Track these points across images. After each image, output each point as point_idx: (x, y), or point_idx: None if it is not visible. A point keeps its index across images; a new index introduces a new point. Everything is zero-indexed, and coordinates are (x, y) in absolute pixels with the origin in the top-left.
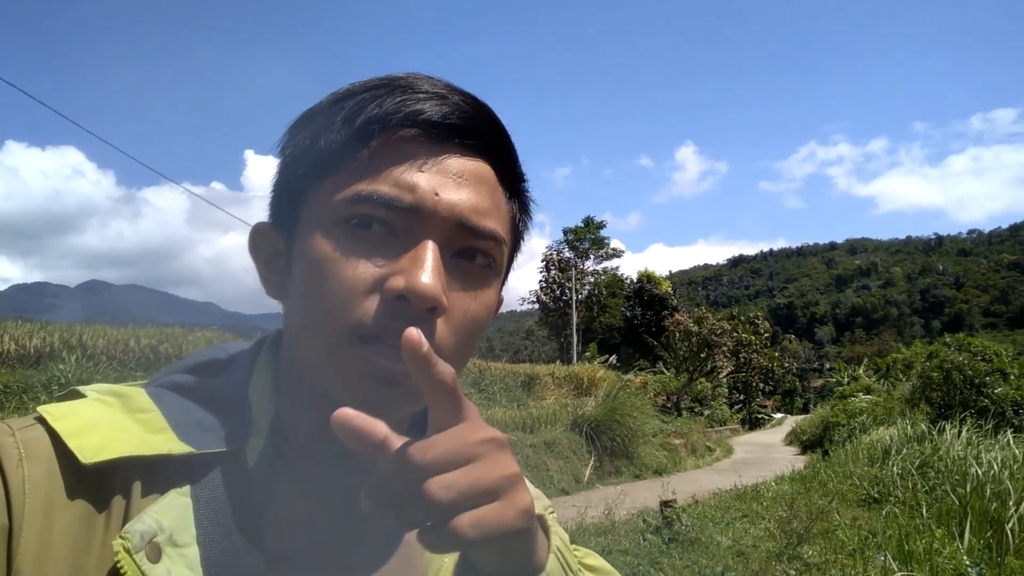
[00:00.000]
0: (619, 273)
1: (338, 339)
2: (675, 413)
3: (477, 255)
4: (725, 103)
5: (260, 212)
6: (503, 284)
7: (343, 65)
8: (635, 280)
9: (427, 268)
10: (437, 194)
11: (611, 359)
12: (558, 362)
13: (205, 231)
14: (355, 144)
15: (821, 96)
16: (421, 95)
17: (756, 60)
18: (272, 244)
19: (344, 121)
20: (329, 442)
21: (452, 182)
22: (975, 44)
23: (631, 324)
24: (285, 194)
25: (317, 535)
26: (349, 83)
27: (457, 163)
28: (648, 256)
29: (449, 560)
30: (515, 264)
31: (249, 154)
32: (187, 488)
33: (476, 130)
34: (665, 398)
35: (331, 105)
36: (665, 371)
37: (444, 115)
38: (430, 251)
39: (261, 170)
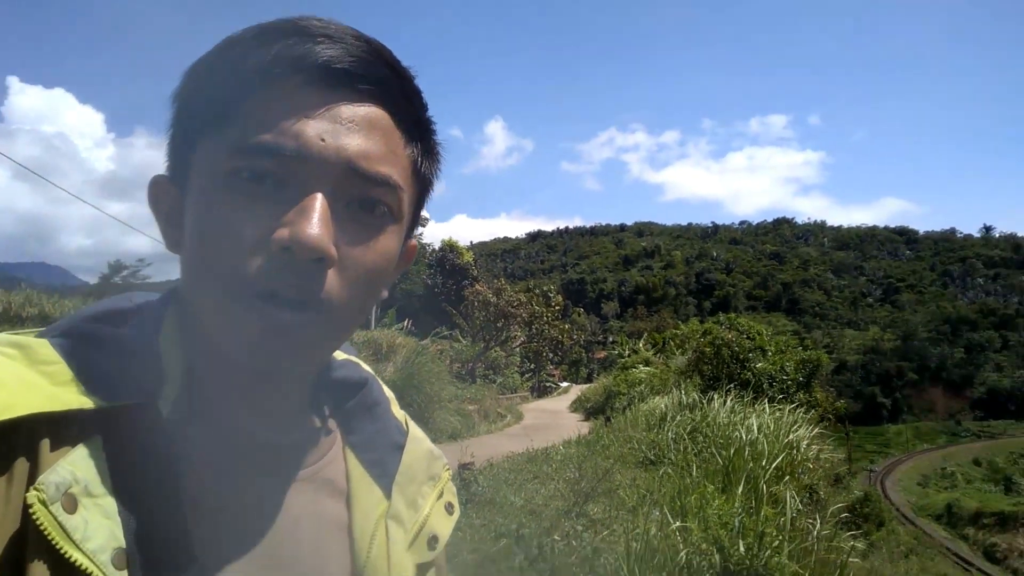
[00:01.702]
0: (423, 241)
1: (230, 296)
2: (470, 380)
3: (373, 203)
4: (537, 81)
5: (24, 147)
6: (411, 231)
7: None
8: (438, 249)
9: (313, 219)
10: (323, 140)
11: (407, 323)
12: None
13: None
14: (241, 93)
15: (625, 85)
16: (311, 40)
17: (569, 41)
18: (170, 197)
19: (231, 69)
20: (236, 391)
21: (342, 128)
22: (757, 52)
23: (432, 292)
24: (177, 146)
25: (232, 482)
26: (243, 28)
27: (348, 109)
28: (452, 226)
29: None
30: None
31: (13, 80)
32: (99, 439)
33: (369, 74)
34: (460, 365)
35: (221, 52)
36: (462, 339)
37: (334, 59)
38: (317, 201)
39: (27, 101)
